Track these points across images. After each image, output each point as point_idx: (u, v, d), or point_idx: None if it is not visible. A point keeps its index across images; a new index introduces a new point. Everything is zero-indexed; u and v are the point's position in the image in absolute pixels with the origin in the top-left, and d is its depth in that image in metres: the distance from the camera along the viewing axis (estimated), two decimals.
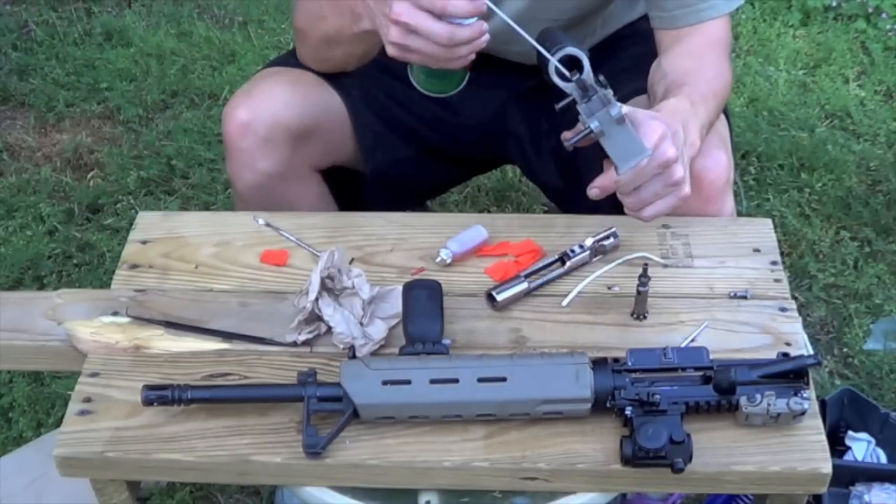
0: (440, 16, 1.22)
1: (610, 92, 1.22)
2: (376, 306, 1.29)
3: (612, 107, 1.20)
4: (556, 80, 1.24)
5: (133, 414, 1.19)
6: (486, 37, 1.25)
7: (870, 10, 3.10)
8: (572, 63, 1.26)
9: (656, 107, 1.33)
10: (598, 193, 1.28)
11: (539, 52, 1.28)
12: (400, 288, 1.28)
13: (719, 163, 1.42)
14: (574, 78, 1.23)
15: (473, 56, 1.28)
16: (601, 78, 1.26)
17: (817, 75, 2.90)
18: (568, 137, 1.25)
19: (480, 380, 1.15)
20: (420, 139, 1.70)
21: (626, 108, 1.26)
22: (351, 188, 1.72)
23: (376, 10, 1.28)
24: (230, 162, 1.56)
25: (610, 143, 1.22)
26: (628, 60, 1.58)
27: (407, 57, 1.28)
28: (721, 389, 1.15)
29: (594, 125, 1.22)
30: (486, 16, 1.60)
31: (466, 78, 1.36)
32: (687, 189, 1.27)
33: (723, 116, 1.52)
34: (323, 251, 1.29)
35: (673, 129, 1.26)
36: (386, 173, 1.70)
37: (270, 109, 1.51)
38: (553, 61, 1.24)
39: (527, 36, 1.23)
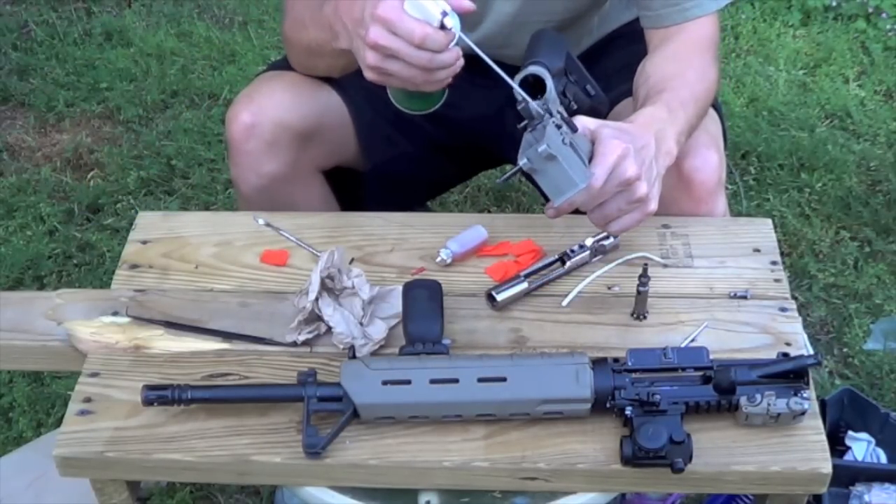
0: (418, 46, 1.22)
1: (551, 122, 1.22)
2: (376, 306, 1.29)
3: (539, 144, 1.19)
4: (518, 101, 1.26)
5: (133, 414, 1.19)
6: (461, 62, 1.26)
7: (870, 10, 3.10)
8: (539, 82, 1.28)
9: (631, 117, 1.33)
10: (555, 214, 1.28)
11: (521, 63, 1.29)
12: (400, 288, 1.28)
13: (709, 163, 1.42)
14: (520, 106, 1.23)
15: (450, 79, 1.28)
16: (584, 89, 1.28)
17: (817, 75, 2.90)
18: (501, 180, 1.26)
19: (480, 380, 1.15)
20: (421, 133, 1.70)
21: (593, 124, 1.26)
22: (352, 188, 1.72)
23: (353, 32, 1.28)
24: (234, 166, 1.56)
25: (541, 179, 1.23)
26: (623, 60, 1.58)
27: (384, 81, 1.28)
28: (721, 389, 1.15)
29: (522, 162, 1.22)
30: (478, 18, 1.60)
31: (445, 95, 1.36)
32: (652, 206, 1.27)
33: (715, 115, 1.52)
34: (323, 251, 1.29)
35: (639, 145, 1.25)
36: (387, 170, 1.70)
37: (274, 112, 1.51)
38: (514, 85, 1.25)
39: (490, 62, 1.24)
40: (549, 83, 1.29)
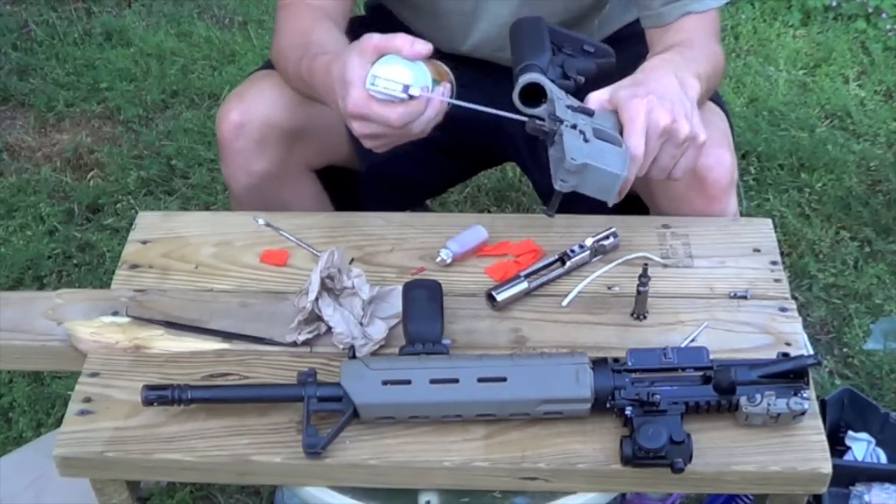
0: (399, 127, 1.24)
1: (564, 128, 1.20)
2: (376, 306, 1.29)
3: (563, 159, 1.17)
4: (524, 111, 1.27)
5: (133, 414, 1.19)
6: (447, 97, 1.27)
7: (870, 10, 3.10)
8: (535, 90, 1.28)
9: (642, 65, 1.32)
10: (619, 199, 1.27)
11: (511, 84, 1.30)
12: (400, 288, 1.28)
13: (722, 162, 1.42)
14: (529, 127, 1.23)
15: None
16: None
17: (817, 75, 2.90)
18: (547, 210, 1.27)
19: (480, 380, 1.14)
20: None
21: (607, 94, 1.26)
22: (349, 189, 1.72)
23: (341, 115, 1.30)
24: (225, 164, 1.56)
25: (584, 189, 1.21)
26: (626, 61, 1.58)
27: (388, 148, 1.31)
28: (721, 389, 1.15)
29: (558, 185, 1.20)
30: (472, 21, 1.59)
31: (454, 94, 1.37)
32: (702, 136, 1.26)
33: (722, 113, 1.52)
34: (323, 251, 1.29)
35: (660, 90, 1.25)
36: (384, 170, 1.70)
37: (263, 110, 1.51)
38: (501, 113, 1.25)
39: (475, 106, 1.25)
40: (548, 86, 1.28)
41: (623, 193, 1.26)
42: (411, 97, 1.23)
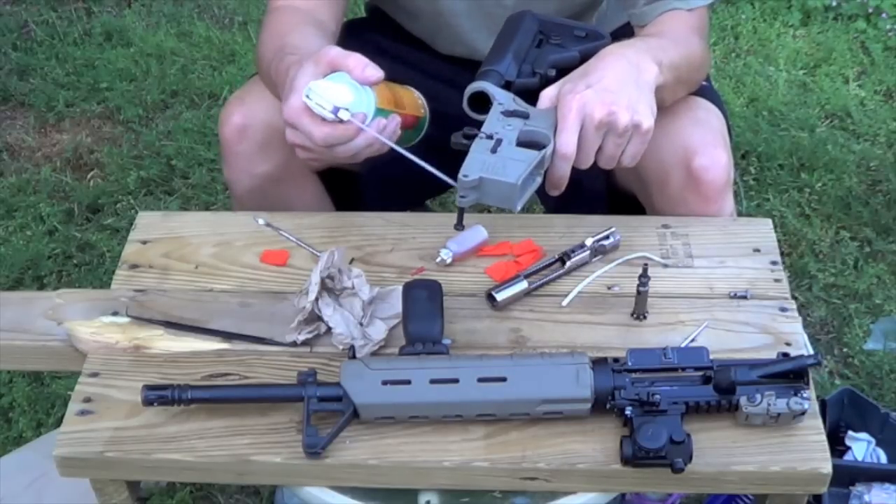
0: (322, 146, 1.23)
1: (476, 142, 1.22)
2: (376, 307, 1.29)
3: (463, 181, 1.20)
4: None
5: (133, 414, 1.19)
6: (394, 127, 1.27)
7: (870, 10, 3.10)
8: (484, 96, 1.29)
9: (598, 53, 1.32)
10: (558, 191, 1.29)
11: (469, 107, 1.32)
12: (400, 288, 1.28)
13: (718, 162, 1.41)
14: (454, 142, 1.25)
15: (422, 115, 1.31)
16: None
17: (817, 75, 2.90)
18: (455, 224, 1.28)
19: (480, 380, 1.14)
20: None
21: (554, 90, 1.27)
22: (349, 189, 1.72)
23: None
24: (227, 167, 1.56)
25: (487, 199, 1.23)
26: None
27: (321, 167, 1.32)
28: (721, 389, 1.15)
29: (458, 202, 1.23)
30: (469, 18, 1.58)
31: (426, 126, 1.36)
32: (645, 125, 1.25)
33: (720, 114, 1.52)
34: (323, 251, 1.29)
35: (604, 83, 1.25)
36: (383, 170, 1.69)
37: (265, 113, 1.51)
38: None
39: (409, 155, 1.27)
40: (491, 92, 1.29)
41: (559, 187, 1.27)
42: (341, 121, 1.22)
